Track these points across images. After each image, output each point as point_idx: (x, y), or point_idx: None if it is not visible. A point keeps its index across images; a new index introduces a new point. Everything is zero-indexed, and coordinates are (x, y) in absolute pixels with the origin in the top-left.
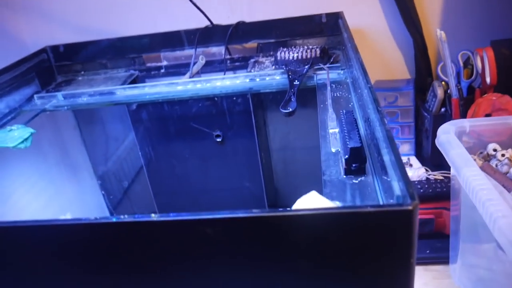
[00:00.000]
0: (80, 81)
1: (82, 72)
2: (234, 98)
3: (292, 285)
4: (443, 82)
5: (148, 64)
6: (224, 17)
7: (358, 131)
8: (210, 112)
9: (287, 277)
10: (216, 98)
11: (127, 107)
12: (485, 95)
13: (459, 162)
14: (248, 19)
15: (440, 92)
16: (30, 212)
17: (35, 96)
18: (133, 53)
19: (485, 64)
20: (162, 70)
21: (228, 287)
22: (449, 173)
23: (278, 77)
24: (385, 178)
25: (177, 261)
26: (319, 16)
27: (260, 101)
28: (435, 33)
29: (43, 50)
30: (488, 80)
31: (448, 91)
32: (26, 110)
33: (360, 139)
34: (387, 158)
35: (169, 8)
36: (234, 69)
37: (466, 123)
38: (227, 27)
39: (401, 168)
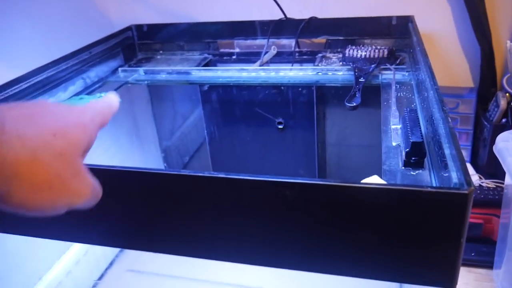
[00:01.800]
0: (159, 60)
1: (161, 52)
2: (300, 89)
3: (351, 251)
4: (507, 94)
5: (222, 50)
6: (297, 12)
7: (420, 128)
8: (275, 100)
9: (348, 243)
10: (282, 87)
11: (199, 87)
12: None
13: None
14: (320, 15)
15: (503, 103)
16: None
17: (119, 69)
18: (209, 38)
19: None
20: (234, 57)
21: (295, 246)
22: (503, 183)
23: (344, 73)
24: (444, 171)
25: (254, 217)
26: (389, 18)
27: (322, 95)
28: (504, 44)
29: (128, 28)
30: None
31: (511, 103)
32: (111, 81)
33: (421, 135)
34: (447, 152)
35: None
36: (301, 62)
37: None
38: (299, 21)
39: (461, 160)
